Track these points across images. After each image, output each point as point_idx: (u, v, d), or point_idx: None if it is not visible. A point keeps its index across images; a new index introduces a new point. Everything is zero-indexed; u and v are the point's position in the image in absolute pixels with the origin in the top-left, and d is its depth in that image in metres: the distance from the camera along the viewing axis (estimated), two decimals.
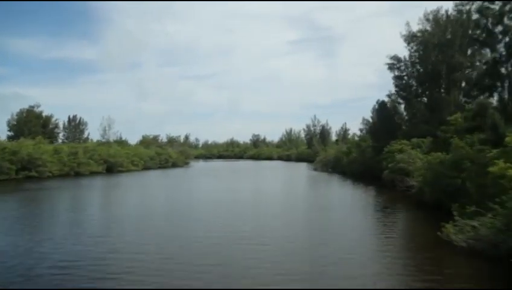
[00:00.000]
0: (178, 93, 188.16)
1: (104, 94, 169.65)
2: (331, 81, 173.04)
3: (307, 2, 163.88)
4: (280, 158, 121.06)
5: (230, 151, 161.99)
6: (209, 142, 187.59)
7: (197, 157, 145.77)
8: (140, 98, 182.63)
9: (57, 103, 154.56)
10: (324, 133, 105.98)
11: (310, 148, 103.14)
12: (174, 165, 79.77)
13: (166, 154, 79.14)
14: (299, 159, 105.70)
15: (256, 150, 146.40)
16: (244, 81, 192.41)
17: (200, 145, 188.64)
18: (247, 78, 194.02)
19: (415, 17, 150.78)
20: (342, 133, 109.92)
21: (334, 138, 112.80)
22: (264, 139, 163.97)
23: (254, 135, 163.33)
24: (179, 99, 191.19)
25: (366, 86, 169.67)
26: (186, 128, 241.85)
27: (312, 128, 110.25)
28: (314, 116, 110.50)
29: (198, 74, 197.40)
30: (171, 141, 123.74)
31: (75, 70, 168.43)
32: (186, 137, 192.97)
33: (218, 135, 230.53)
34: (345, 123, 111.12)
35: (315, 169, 60.67)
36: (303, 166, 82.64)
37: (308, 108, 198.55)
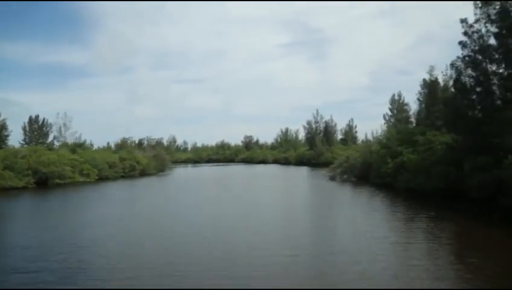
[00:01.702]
0: (171, 97, 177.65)
1: (97, 98, 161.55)
2: (322, 84, 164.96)
3: (299, 5, 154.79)
4: (276, 161, 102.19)
5: (221, 155, 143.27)
6: (198, 145, 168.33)
7: (185, 161, 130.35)
8: (133, 102, 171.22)
9: (48, 108, 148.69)
10: (329, 130, 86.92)
11: (312, 149, 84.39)
12: (144, 173, 60.65)
13: (132, 160, 59.81)
14: (299, 162, 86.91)
15: (248, 153, 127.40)
16: (237, 85, 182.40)
17: (189, 149, 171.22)
18: (241, 81, 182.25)
19: (405, 20, 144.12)
20: (347, 130, 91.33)
21: (339, 136, 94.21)
22: (257, 141, 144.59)
23: (246, 137, 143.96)
24: (172, 103, 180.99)
25: (357, 89, 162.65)
26: (179, 132, 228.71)
27: (314, 126, 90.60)
28: (317, 110, 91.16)
29: (191, 77, 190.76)
30: (150, 144, 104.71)
31: (67, 75, 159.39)
32: (174, 140, 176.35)
33: (212, 139, 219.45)
34: (352, 119, 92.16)
35: (332, 178, 41.49)
36: (307, 172, 63.84)
37: (299, 110, 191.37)
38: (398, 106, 68.48)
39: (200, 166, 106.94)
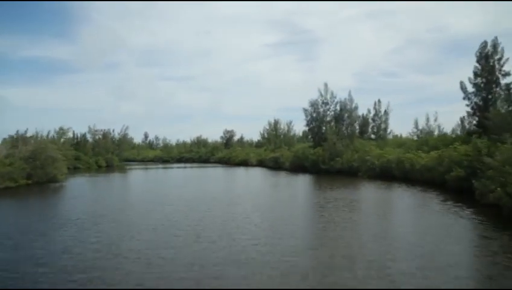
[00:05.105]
0: (158, 95, 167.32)
1: (82, 94, 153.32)
2: (310, 84, 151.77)
3: (288, 6, 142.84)
4: (262, 164, 67.74)
5: (195, 153, 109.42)
6: (172, 142, 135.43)
7: (153, 160, 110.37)
8: (119, 98, 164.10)
9: (31, 104, 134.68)
10: (347, 116, 51.79)
11: (320, 146, 49.76)
12: None
13: None
14: (297, 166, 52.37)
15: (226, 152, 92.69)
16: (225, 84, 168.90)
17: (161, 144, 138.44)
18: (228, 80, 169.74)
19: (392, 23, 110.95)
20: (376, 115, 56.88)
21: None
22: (242, 137, 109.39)
23: (226, 131, 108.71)
24: (158, 101, 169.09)
25: (344, 90, 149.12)
26: (166, 129, 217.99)
27: (322, 110, 55.26)
28: (325, 85, 54.61)
29: (179, 75, 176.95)
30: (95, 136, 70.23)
31: (53, 70, 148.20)
32: (146, 136, 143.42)
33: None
34: (379, 101, 56.66)
35: None
36: (332, 197, 29.49)
37: (287, 111, 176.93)
38: (486, 64, 34.45)
39: (164, 167, 75.27)
